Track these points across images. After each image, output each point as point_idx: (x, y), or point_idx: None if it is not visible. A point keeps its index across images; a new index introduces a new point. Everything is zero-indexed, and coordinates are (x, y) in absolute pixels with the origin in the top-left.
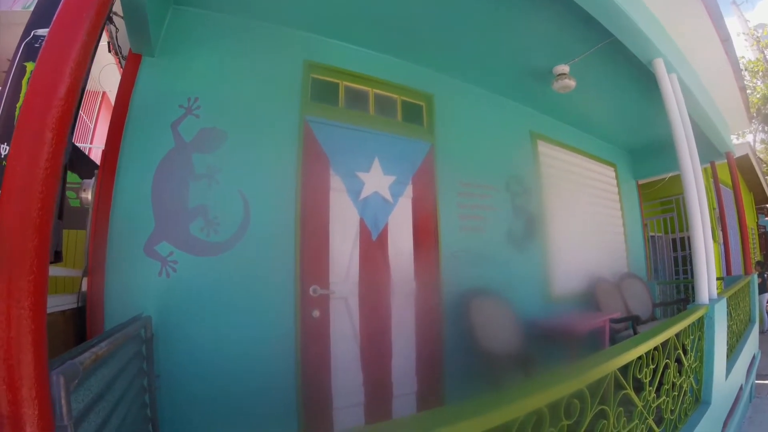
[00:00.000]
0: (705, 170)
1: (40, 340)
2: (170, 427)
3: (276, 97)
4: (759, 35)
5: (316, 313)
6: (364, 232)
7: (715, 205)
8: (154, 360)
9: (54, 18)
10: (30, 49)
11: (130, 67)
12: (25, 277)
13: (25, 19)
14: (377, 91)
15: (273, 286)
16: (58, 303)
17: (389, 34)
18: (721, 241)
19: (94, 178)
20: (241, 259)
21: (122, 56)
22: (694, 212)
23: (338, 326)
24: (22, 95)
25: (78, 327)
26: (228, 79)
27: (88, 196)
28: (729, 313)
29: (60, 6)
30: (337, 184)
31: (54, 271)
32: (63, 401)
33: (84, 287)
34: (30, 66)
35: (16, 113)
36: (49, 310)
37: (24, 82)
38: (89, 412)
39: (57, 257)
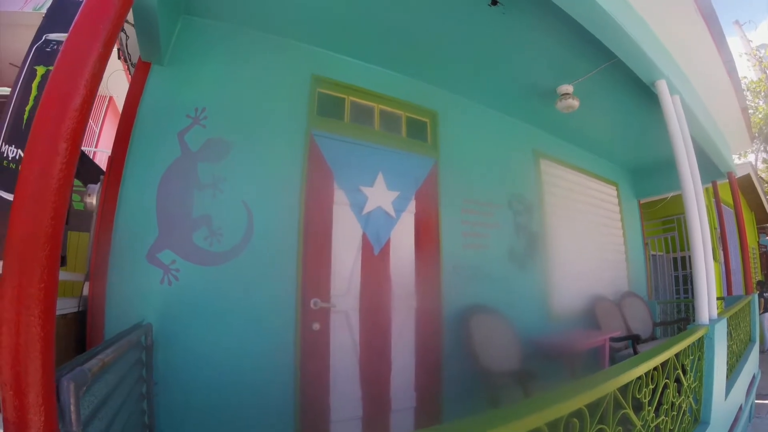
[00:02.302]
0: (706, 190)
1: (48, 347)
2: None
3: (283, 110)
4: (761, 55)
5: (317, 326)
6: (366, 246)
7: (717, 225)
8: (153, 368)
9: (71, 29)
10: (41, 53)
11: (139, 74)
12: (35, 285)
13: (32, 20)
14: (382, 107)
15: (274, 298)
16: (59, 306)
17: (396, 51)
18: (722, 260)
19: (99, 183)
20: (243, 269)
21: (131, 63)
22: (695, 232)
23: (338, 340)
24: (31, 98)
25: (78, 331)
26: (236, 91)
27: (92, 200)
28: (729, 333)
29: (77, 17)
30: (340, 198)
31: None
32: (72, 407)
33: (86, 291)
34: (41, 70)
35: (26, 116)
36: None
37: (34, 85)
38: (93, 418)
39: (61, 261)
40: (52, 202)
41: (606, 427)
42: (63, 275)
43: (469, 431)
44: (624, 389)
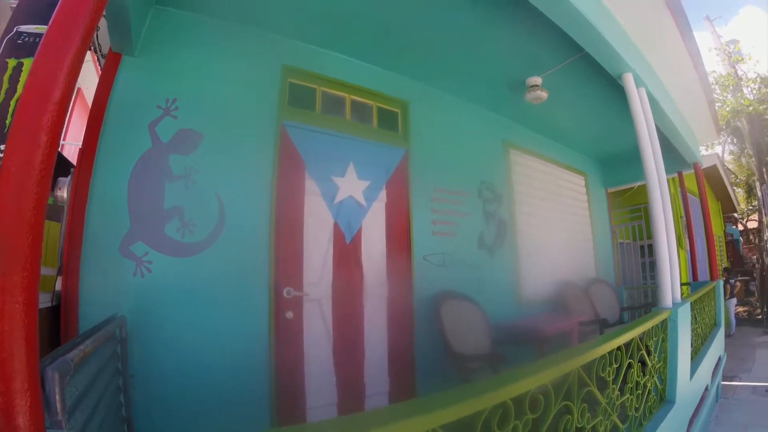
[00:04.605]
0: (673, 180)
1: (33, 334)
2: (145, 427)
3: (254, 101)
4: (730, 51)
5: (290, 315)
6: (338, 235)
7: (682, 213)
8: (128, 360)
9: (50, 22)
10: (13, 45)
11: (110, 65)
12: (19, 274)
13: (2, 12)
14: (354, 97)
15: (247, 288)
16: None
17: (367, 42)
18: (688, 248)
19: (70, 177)
20: (216, 260)
21: (101, 54)
22: (657, 219)
23: (312, 327)
24: (2, 91)
25: (52, 326)
26: (207, 81)
27: (63, 194)
28: (694, 317)
29: (56, 11)
30: (312, 188)
31: None
32: (57, 396)
33: (58, 286)
34: (12, 62)
35: None
36: None
37: (5, 78)
38: (75, 410)
39: None
40: (35, 193)
41: (571, 403)
42: None
43: (438, 405)
44: (588, 367)
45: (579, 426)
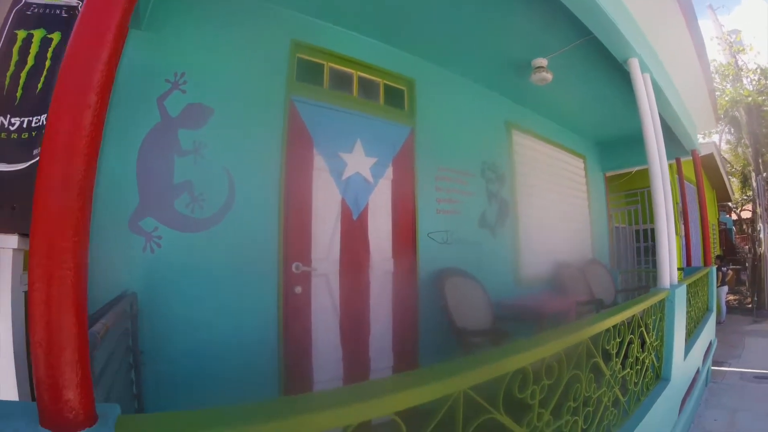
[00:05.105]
0: (670, 166)
1: (82, 303)
2: (155, 403)
3: (262, 75)
4: (732, 40)
5: (299, 290)
6: (345, 211)
7: (679, 200)
8: (138, 337)
9: None
10: (22, 17)
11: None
12: (70, 239)
13: None
14: (361, 73)
15: (256, 262)
16: None
17: (375, 18)
18: (683, 234)
19: None
20: (226, 235)
21: None
22: (659, 203)
23: (319, 302)
24: (12, 63)
25: None
26: (215, 55)
27: None
28: (688, 300)
29: None
30: (320, 164)
31: None
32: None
33: None
34: (21, 34)
35: (7, 82)
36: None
37: (15, 50)
38: (96, 385)
39: None
40: (85, 154)
41: (580, 372)
42: None
43: (469, 367)
44: (595, 339)
45: (586, 395)
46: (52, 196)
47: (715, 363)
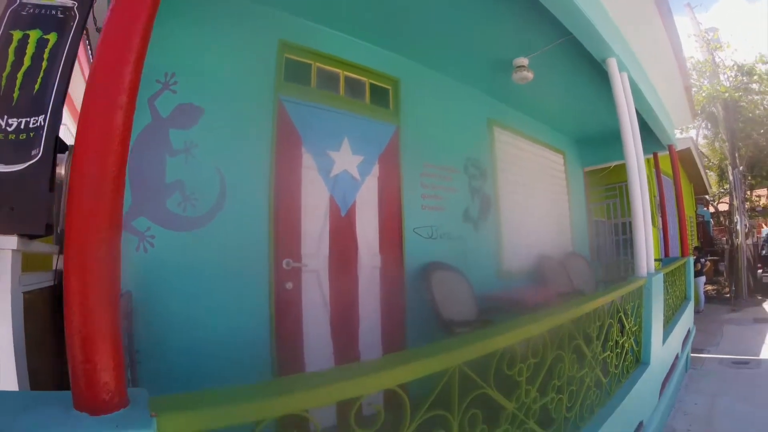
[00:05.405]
0: (648, 160)
1: (116, 295)
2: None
3: (252, 75)
4: (709, 38)
5: (290, 286)
6: (333, 208)
7: (656, 193)
8: (134, 336)
9: None
10: (17, 17)
11: None
12: (104, 231)
13: None
14: (347, 73)
15: (248, 260)
16: (35, 281)
17: (361, 18)
18: (661, 226)
19: (68, 152)
20: (218, 233)
21: (97, 28)
22: (635, 197)
23: (310, 298)
24: (8, 64)
25: (54, 306)
26: (205, 56)
27: (61, 170)
28: (666, 288)
29: None
30: (308, 162)
31: (31, 246)
32: None
33: (60, 264)
34: (17, 34)
35: (3, 83)
36: (29, 288)
37: (11, 50)
38: None
39: (48, 230)
40: (118, 153)
41: (563, 352)
42: (37, 247)
43: (461, 345)
44: (577, 323)
45: (570, 375)
46: (86, 193)
47: (694, 350)
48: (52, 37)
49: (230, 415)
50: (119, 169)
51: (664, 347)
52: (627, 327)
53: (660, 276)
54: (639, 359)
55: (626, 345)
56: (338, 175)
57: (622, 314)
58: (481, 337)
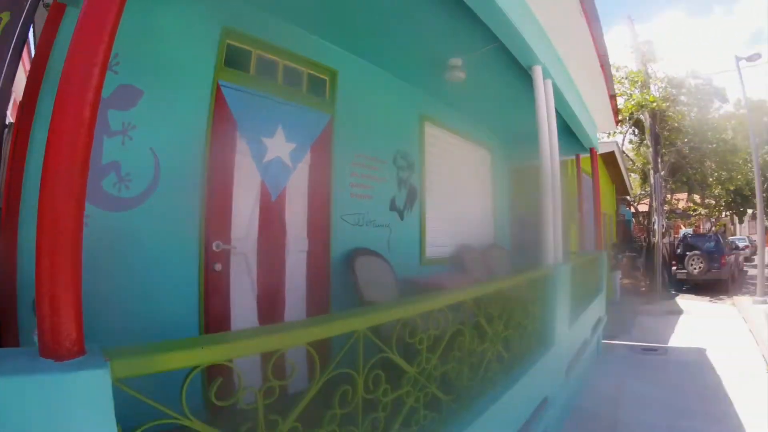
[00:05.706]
0: (571, 161)
1: (78, 262)
2: None
3: (192, 60)
4: (645, 50)
5: (219, 267)
6: (264, 193)
7: (576, 192)
8: None
9: None
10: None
11: (53, 16)
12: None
13: None
14: (286, 62)
15: (180, 241)
16: None
17: (304, 8)
18: (579, 222)
19: (8, 131)
20: (151, 214)
21: (45, 4)
22: (546, 194)
23: (238, 279)
24: None
25: None
26: (148, 38)
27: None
28: (573, 277)
29: None
30: (242, 147)
31: None
32: None
33: None
34: (5, 17)
35: None
36: None
37: None
38: None
39: None
40: (84, 144)
41: (463, 326)
42: None
43: (366, 313)
44: (478, 302)
45: (470, 348)
46: (59, 178)
47: (607, 338)
48: (5, 17)
49: (168, 361)
50: (86, 159)
51: (570, 331)
52: (530, 310)
53: (566, 266)
54: (543, 340)
55: (529, 326)
56: (271, 161)
57: (526, 298)
58: (385, 307)
